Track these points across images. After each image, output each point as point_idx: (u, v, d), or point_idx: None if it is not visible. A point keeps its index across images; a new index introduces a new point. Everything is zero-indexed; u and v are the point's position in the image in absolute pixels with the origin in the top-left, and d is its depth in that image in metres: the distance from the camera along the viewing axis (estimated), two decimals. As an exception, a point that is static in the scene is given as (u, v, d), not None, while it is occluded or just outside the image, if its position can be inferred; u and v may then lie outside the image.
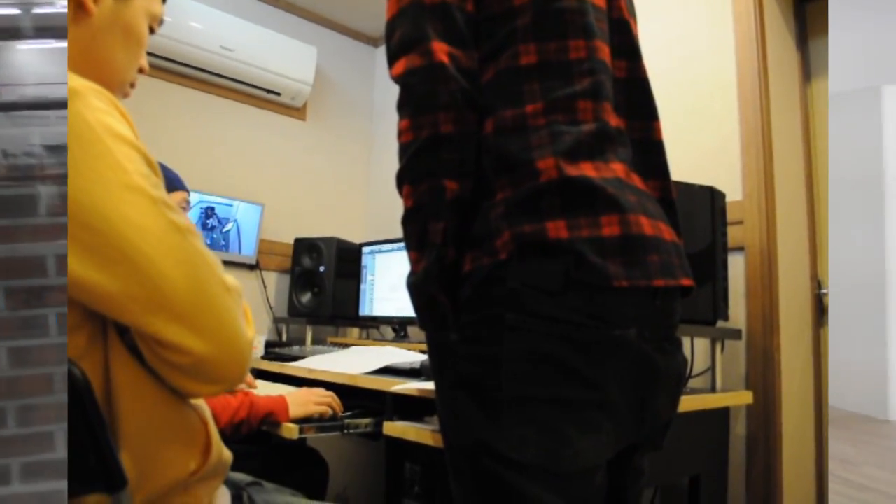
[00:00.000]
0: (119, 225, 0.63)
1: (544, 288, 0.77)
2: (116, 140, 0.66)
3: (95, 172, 0.63)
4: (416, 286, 0.86)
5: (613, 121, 0.87)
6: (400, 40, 0.86)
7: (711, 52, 2.00)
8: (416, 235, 0.85)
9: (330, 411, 1.50)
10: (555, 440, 0.77)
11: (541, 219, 0.79)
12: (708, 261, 1.58)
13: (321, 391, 1.55)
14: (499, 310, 0.79)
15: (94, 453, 0.65)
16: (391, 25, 0.88)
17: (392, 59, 0.87)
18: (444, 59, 0.82)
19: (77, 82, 0.67)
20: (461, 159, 0.83)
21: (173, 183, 1.67)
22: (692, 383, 1.76)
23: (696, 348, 1.80)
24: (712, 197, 1.62)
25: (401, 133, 0.85)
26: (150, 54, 2.53)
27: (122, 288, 0.63)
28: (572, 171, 0.80)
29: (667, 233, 0.87)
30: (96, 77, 0.72)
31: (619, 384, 0.80)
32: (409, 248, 0.87)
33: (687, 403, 1.42)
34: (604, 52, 0.90)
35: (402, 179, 0.86)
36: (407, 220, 0.87)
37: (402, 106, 0.85)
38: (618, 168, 0.84)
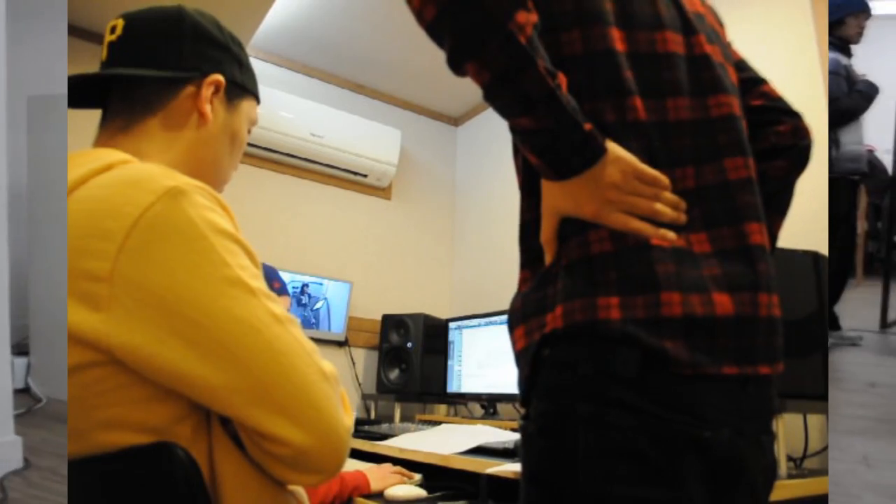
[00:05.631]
0: (221, 319, 0.65)
1: (619, 375, 0.67)
2: (218, 235, 0.68)
3: (198, 267, 0.66)
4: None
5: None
6: None
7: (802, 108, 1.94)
8: None
9: (406, 480, 1.60)
10: None
11: (594, 293, 0.69)
12: (814, 330, 1.49)
13: (391, 466, 1.65)
14: (570, 400, 0.69)
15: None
16: None
17: None
18: None
19: (181, 180, 0.69)
20: None
21: (283, 290, 1.78)
22: (808, 463, 1.62)
23: (809, 425, 1.67)
24: (815, 262, 1.53)
25: None
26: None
27: (224, 381, 0.65)
28: (630, 240, 0.70)
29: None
30: (203, 177, 0.77)
31: (700, 485, 0.68)
32: None
33: (804, 487, 1.31)
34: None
35: None
36: None
37: None
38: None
